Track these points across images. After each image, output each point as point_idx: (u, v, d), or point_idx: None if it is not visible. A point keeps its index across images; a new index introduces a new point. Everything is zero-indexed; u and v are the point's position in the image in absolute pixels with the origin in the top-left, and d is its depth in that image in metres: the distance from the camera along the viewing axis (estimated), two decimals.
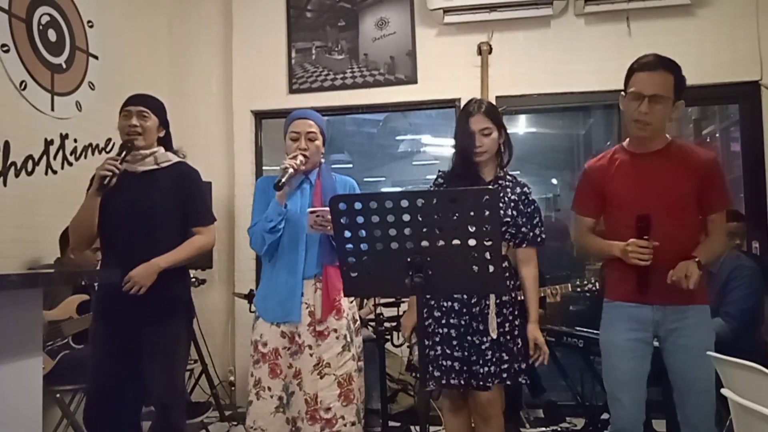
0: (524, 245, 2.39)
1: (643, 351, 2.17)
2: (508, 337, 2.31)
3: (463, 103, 4.19)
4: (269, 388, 2.32)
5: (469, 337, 2.29)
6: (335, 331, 2.35)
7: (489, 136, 2.35)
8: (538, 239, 2.40)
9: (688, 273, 2.01)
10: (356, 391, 2.36)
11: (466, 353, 2.28)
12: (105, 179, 2.33)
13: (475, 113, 2.36)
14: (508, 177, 2.44)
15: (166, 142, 2.61)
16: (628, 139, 2.29)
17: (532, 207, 2.40)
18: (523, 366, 2.32)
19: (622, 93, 2.24)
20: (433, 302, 2.36)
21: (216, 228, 2.63)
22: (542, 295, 3.45)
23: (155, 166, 2.50)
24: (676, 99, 2.15)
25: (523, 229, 2.37)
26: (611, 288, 2.29)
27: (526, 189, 2.42)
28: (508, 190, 2.38)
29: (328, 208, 2.15)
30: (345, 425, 2.29)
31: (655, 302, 2.14)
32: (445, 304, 2.32)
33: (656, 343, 2.22)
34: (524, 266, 2.40)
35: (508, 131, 2.46)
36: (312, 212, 2.25)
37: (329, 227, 2.19)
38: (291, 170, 2.26)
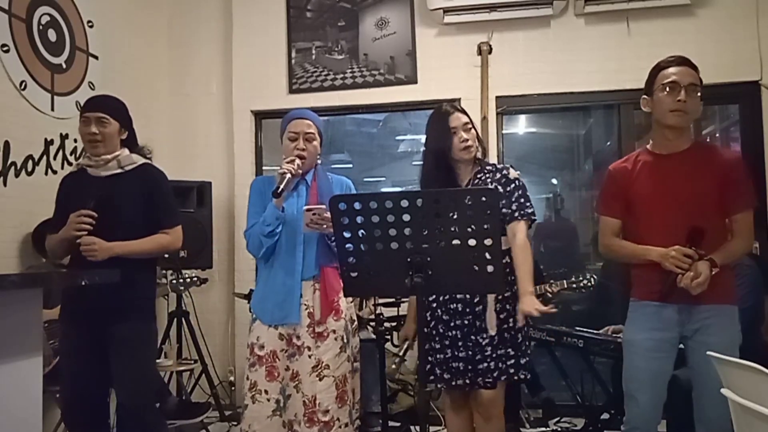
0: (507, 223, 2.32)
1: (667, 352, 2.17)
2: (513, 333, 2.31)
3: (463, 104, 4.24)
4: (266, 392, 2.30)
5: (472, 337, 2.29)
6: (334, 332, 2.34)
7: (471, 131, 2.36)
8: (522, 214, 2.32)
9: (696, 274, 2.00)
10: (350, 392, 2.36)
11: (470, 353, 2.29)
12: (77, 238, 2.35)
13: (453, 112, 2.37)
14: (487, 168, 2.42)
15: (130, 142, 2.58)
16: (651, 142, 2.30)
17: (512, 186, 2.35)
18: (524, 361, 2.32)
19: (645, 96, 2.25)
20: (435, 305, 2.36)
21: (180, 231, 2.62)
22: (541, 293, 3.47)
23: (119, 170, 2.49)
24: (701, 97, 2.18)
25: (504, 210, 2.31)
26: (638, 287, 2.28)
27: (505, 171, 2.39)
28: (488, 180, 2.37)
29: (324, 206, 2.17)
30: (341, 427, 2.30)
31: (680, 302, 2.13)
32: (452, 306, 2.32)
33: (681, 346, 2.21)
34: (511, 240, 2.30)
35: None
36: (308, 210, 2.23)
37: (325, 226, 2.20)
38: (288, 176, 2.25)
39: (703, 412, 2.14)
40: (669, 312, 2.16)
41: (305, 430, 2.25)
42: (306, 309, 2.33)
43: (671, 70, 2.18)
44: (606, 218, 2.35)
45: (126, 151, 2.53)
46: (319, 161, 2.48)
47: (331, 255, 2.30)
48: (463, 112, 2.40)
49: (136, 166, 2.52)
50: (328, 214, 2.14)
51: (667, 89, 2.14)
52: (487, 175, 2.39)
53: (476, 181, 2.40)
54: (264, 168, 4.68)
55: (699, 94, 2.16)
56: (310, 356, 2.30)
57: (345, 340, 2.37)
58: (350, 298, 2.47)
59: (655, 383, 2.17)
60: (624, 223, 2.31)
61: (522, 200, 2.34)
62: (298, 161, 2.31)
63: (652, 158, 2.25)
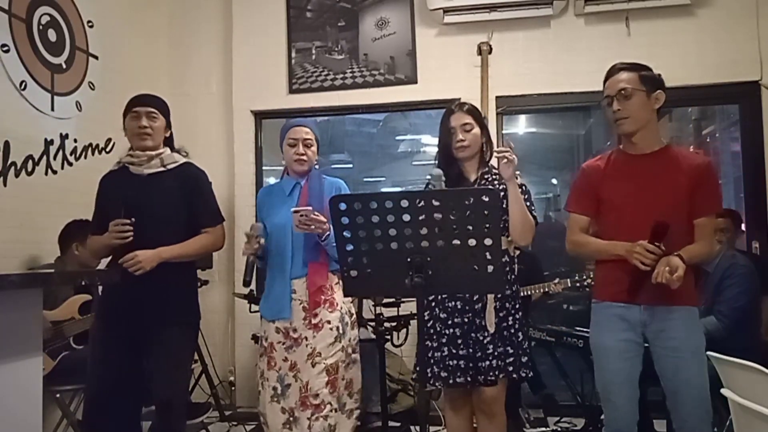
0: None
1: (634, 351, 2.17)
2: (512, 331, 2.33)
3: None
4: (267, 379, 2.50)
5: (473, 334, 2.30)
6: (329, 322, 2.48)
7: (470, 132, 2.38)
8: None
9: (671, 267, 1.99)
10: (341, 380, 2.47)
11: (470, 350, 2.29)
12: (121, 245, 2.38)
13: (456, 111, 2.42)
14: (493, 171, 2.45)
15: (170, 142, 2.61)
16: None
17: (520, 190, 2.35)
18: (524, 359, 2.33)
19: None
20: (434, 303, 2.37)
21: (222, 229, 2.64)
22: (543, 290, 3.47)
23: (162, 168, 2.50)
24: (650, 89, 2.18)
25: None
26: (600, 288, 2.29)
27: None
28: (495, 182, 2.40)
29: (310, 208, 2.35)
30: (331, 411, 2.42)
31: (643, 302, 2.14)
32: (450, 304, 2.34)
33: (647, 344, 2.21)
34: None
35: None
36: (296, 212, 2.36)
37: (313, 226, 2.34)
38: (251, 258, 2.46)
39: (682, 420, 2.12)
40: (633, 312, 2.16)
41: (300, 414, 2.42)
42: (300, 304, 2.47)
43: (606, 84, 2.26)
44: (575, 215, 2.35)
45: (168, 150, 2.55)
46: (316, 165, 2.62)
47: (317, 251, 2.46)
48: (469, 111, 2.42)
49: (177, 165, 2.54)
50: (316, 215, 2.32)
51: (606, 105, 2.23)
52: (494, 176, 2.41)
53: (482, 181, 2.41)
54: (264, 168, 4.68)
55: (632, 93, 2.16)
56: (306, 345, 2.45)
57: (340, 331, 2.49)
58: None
59: (629, 383, 2.17)
60: (595, 221, 2.32)
61: (528, 203, 2.38)
62: (254, 241, 2.45)
63: (624, 157, 2.27)
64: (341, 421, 2.46)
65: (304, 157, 2.53)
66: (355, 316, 2.61)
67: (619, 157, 2.28)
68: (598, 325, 2.27)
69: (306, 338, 2.44)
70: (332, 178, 2.64)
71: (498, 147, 2.31)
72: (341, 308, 2.51)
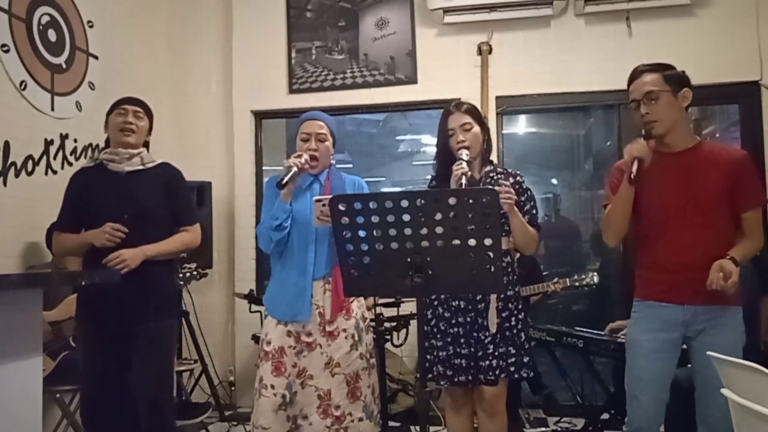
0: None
1: (669, 353, 2.17)
2: (515, 331, 2.33)
3: None
4: (272, 386, 2.32)
5: (475, 334, 2.30)
6: (344, 330, 2.38)
7: (470, 131, 2.37)
8: (534, 226, 2.38)
9: (725, 273, 1.99)
10: (364, 388, 2.39)
11: (472, 349, 2.30)
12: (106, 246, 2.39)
13: (454, 112, 2.41)
14: (498, 170, 2.45)
15: (146, 146, 2.66)
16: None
17: (526, 195, 2.40)
18: (526, 359, 2.33)
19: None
20: (437, 303, 2.37)
21: (199, 228, 2.68)
22: (544, 290, 3.48)
23: (141, 167, 2.54)
24: (676, 89, 2.17)
25: None
26: (641, 287, 2.28)
27: (519, 178, 2.43)
28: (501, 181, 2.38)
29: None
30: (353, 421, 2.34)
31: (686, 302, 2.13)
32: (453, 303, 2.34)
33: (684, 346, 2.21)
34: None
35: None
36: (318, 201, 2.25)
37: None
38: (295, 169, 2.27)
39: (706, 413, 2.14)
40: (675, 312, 2.15)
41: (319, 422, 2.31)
42: (317, 309, 2.36)
43: (630, 87, 2.24)
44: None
45: (146, 150, 2.61)
46: (333, 161, 2.51)
47: None
48: (468, 111, 2.41)
49: (156, 165, 2.60)
50: None
51: (633, 108, 2.22)
52: (500, 176, 2.40)
53: (488, 180, 2.41)
54: (264, 168, 4.68)
55: (658, 95, 2.15)
56: (322, 353, 2.34)
57: (356, 338, 2.40)
58: (362, 297, 2.49)
59: (658, 384, 2.17)
60: (632, 221, 2.30)
61: (534, 212, 2.40)
62: (306, 156, 2.34)
63: (658, 156, 2.24)
64: (368, 429, 2.38)
65: (316, 153, 2.38)
66: (368, 320, 2.55)
67: (653, 156, 2.25)
68: (636, 323, 2.26)
69: (321, 345, 2.34)
70: (352, 176, 2.55)
71: (501, 186, 2.27)
72: (356, 314, 2.43)
